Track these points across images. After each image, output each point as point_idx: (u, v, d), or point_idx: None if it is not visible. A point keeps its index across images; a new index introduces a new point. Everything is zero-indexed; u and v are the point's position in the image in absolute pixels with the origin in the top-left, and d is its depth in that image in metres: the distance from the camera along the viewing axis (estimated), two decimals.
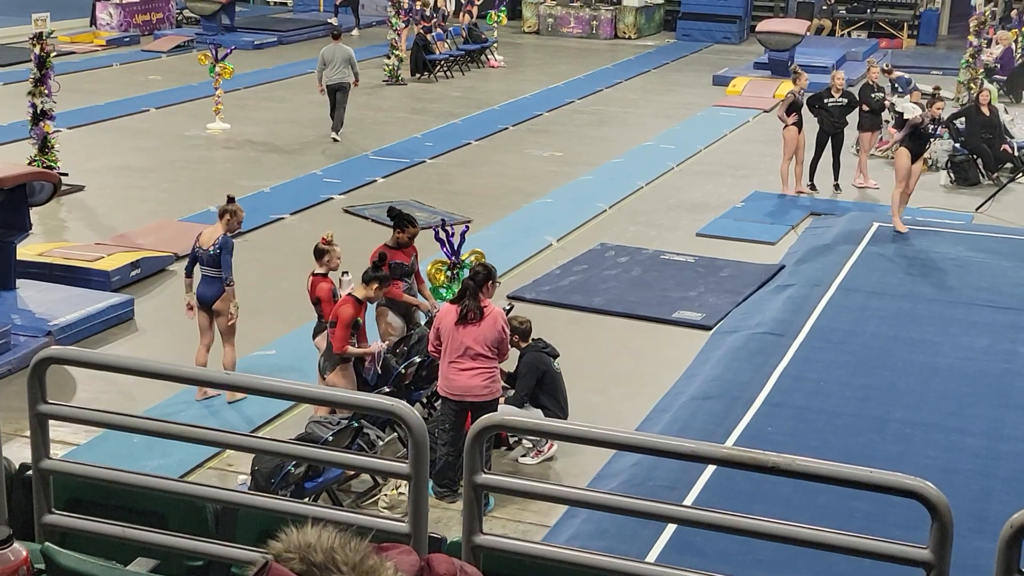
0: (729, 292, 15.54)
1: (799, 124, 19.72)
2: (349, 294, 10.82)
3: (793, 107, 19.67)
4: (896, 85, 23.80)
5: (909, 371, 12.98)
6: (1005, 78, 28.25)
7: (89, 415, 4.60)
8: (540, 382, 11.02)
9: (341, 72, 22.79)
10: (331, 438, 9.67)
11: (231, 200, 12.12)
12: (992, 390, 12.58)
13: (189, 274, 12.06)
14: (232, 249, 11.90)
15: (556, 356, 11.22)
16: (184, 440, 4.49)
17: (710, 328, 14.44)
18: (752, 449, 3.76)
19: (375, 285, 10.79)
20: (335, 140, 23.09)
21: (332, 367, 10.75)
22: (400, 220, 12.10)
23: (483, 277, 10.40)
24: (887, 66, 24.43)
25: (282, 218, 18.03)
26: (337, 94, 23.01)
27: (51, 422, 4.51)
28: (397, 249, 11.95)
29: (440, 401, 10.63)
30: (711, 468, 10.12)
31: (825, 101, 19.99)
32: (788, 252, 17.29)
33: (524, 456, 11.14)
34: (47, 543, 3.92)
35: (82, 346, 13.04)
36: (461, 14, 33.95)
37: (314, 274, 11.56)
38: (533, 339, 11.25)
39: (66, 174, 18.39)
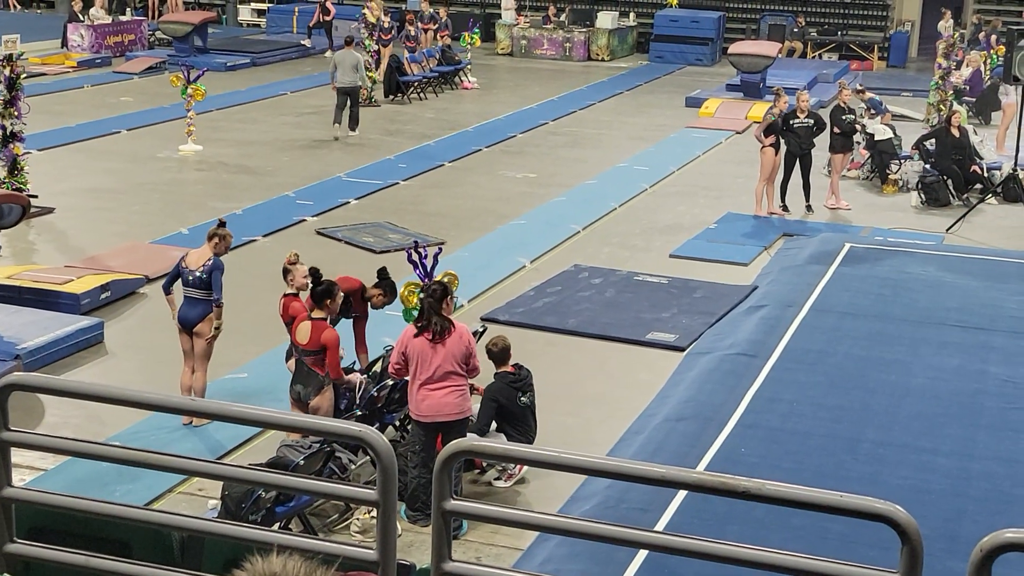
0: (702, 313, 15.54)
1: (776, 146, 19.75)
2: (318, 319, 10.74)
3: (771, 129, 19.69)
4: (868, 105, 23.88)
5: (881, 391, 12.99)
6: (974, 100, 28.38)
7: (53, 443, 4.54)
8: (501, 415, 10.98)
9: (351, 76, 24.97)
10: (302, 462, 9.61)
11: (222, 224, 12.11)
12: (963, 410, 12.60)
13: (169, 292, 12.03)
14: (223, 270, 11.90)
15: (527, 391, 11.12)
16: (151, 467, 4.44)
17: (683, 349, 14.43)
18: (722, 474, 3.73)
19: (328, 301, 10.75)
20: (343, 137, 25.06)
21: (316, 391, 10.68)
22: (390, 287, 12.02)
23: (441, 294, 10.35)
24: (860, 86, 24.47)
25: (254, 240, 17.96)
26: (349, 97, 25.11)
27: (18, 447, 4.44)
28: (364, 303, 11.91)
29: (411, 423, 10.57)
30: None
31: (791, 122, 19.98)
32: (761, 273, 17.31)
33: (498, 479, 11.09)
34: (6, 574, 3.86)
35: (51, 370, 12.95)
36: (435, 35, 34.00)
37: (285, 295, 11.51)
38: (513, 366, 11.18)
39: (36, 196, 18.29)
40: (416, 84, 30.73)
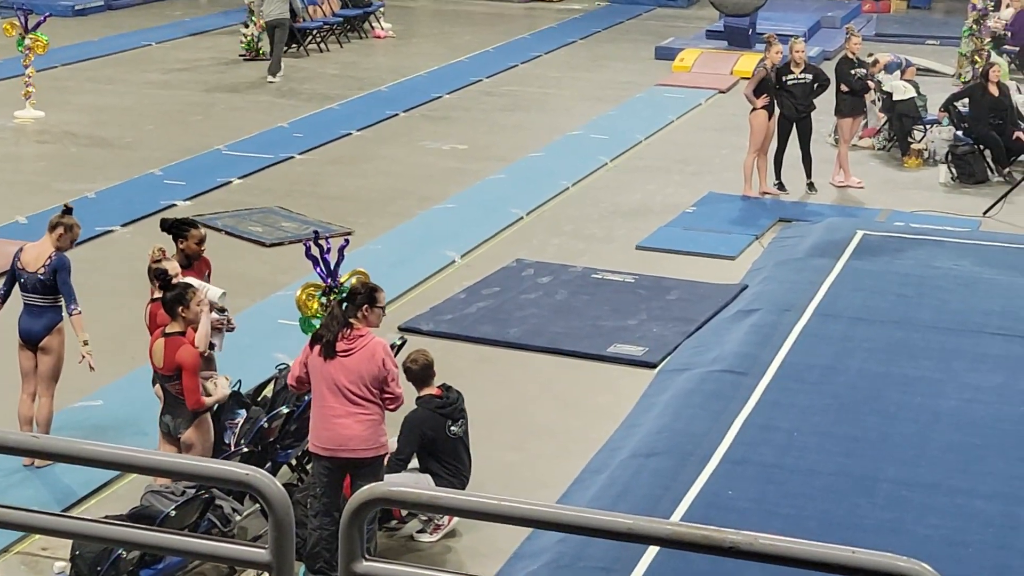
0: (678, 320, 15.59)
1: (770, 108, 19.78)
2: (173, 334, 10.64)
3: (763, 86, 19.72)
4: (885, 73, 23.74)
5: (904, 418, 13.06)
6: (1017, 49, 28.58)
7: None
8: (427, 449, 10.98)
9: (279, 6, 27.12)
10: (174, 513, 9.57)
11: (68, 211, 12.02)
12: (1007, 440, 12.67)
13: (2, 299, 11.94)
14: (70, 269, 11.82)
15: (458, 419, 11.11)
16: None
17: (655, 366, 14.47)
18: (704, 526, 3.74)
19: (181, 309, 10.68)
20: (270, 82, 26.90)
21: (188, 422, 10.63)
22: (176, 228, 12.09)
23: (362, 299, 10.30)
24: (871, 56, 23.99)
25: (111, 231, 17.86)
26: (276, 31, 27.16)
27: None
28: (188, 268, 11.89)
29: (311, 461, 10.53)
30: None
31: (784, 79, 20.02)
32: (752, 269, 17.38)
33: (421, 531, 11.08)
34: None
35: None
36: None
37: (152, 300, 11.45)
38: (439, 387, 11.16)
39: None
40: (315, 32, 30.65)
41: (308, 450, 10.67)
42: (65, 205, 12.27)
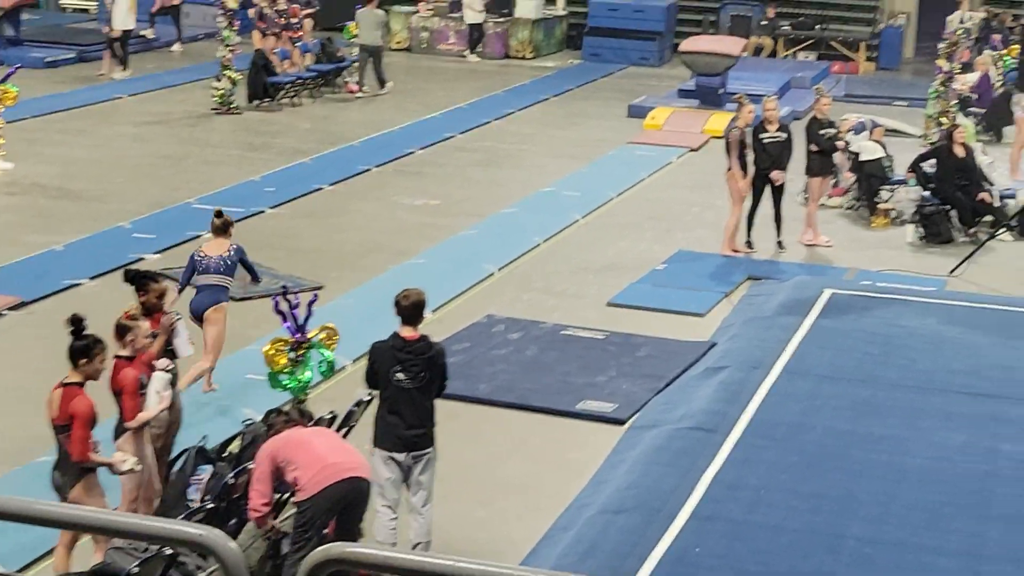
0: (647, 376, 15.56)
1: (744, 167, 19.79)
2: (71, 384, 10.46)
3: (742, 148, 19.74)
4: (853, 134, 23.59)
5: (870, 475, 13.05)
6: (983, 111, 28.68)
7: None
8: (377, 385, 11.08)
9: (373, 35, 31.44)
10: (136, 570, 9.48)
11: (219, 213, 14.10)
12: (972, 498, 12.68)
13: (183, 286, 13.83)
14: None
15: (411, 370, 11.01)
16: None
17: (624, 422, 14.44)
18: None
19: (83, 361, 10.49)
20: (383, 93, 32.02)
21: (74, 479, 10.42)
22: (138, 280, 12.12)
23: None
24: (841, 123, 23.47)
25: (78, 284, 17.75)
26: (373, 58, 31.84)
27: None
28: (148, 316, 11.81)
29: (302, 509, 10.38)
30: None
31: (760, 137, 20.07)
32: (721, 326, 17.38)
33: None
34: None
35: None
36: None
37: (117, 357, 11.34)
38: (420, 336, 11.21)
39: None
40: (288, 86, 30.64)
41: (301, 500, 10.55)
42: (217, 210, 14.41)
